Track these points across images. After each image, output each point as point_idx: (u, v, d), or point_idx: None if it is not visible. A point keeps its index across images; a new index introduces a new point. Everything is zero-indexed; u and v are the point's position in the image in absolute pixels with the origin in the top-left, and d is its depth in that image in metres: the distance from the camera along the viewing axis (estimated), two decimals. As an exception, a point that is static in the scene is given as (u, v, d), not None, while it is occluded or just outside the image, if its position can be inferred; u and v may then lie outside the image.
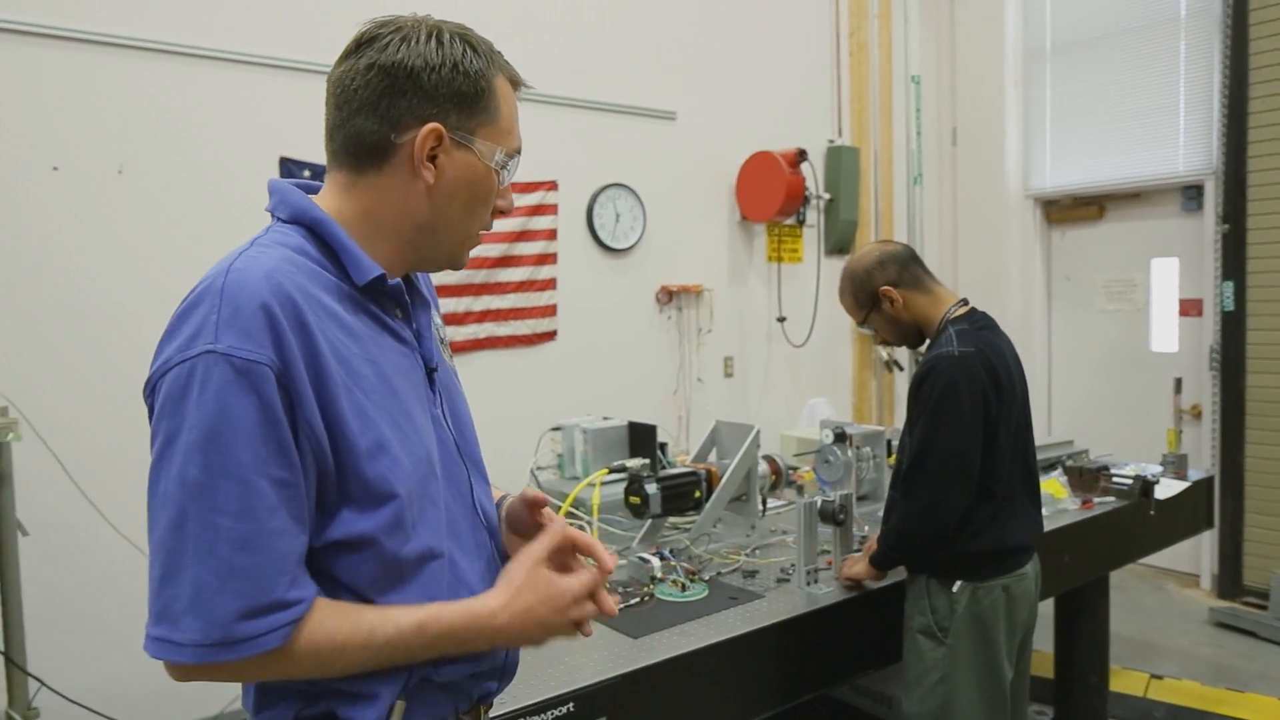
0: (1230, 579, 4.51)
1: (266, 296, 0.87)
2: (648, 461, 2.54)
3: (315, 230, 0.99)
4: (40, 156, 2.85)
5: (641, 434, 2.91)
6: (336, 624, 0.91)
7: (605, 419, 3.00)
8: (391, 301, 1.04)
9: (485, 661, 1.06)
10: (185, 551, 0.85)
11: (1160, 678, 3.65)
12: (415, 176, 0.99)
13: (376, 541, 0.94)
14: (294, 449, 0.89)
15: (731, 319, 4.78)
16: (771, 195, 4.56)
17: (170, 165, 3.07)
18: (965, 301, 2.16)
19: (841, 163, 4.99)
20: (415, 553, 0.98)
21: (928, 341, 2.17)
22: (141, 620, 0.88)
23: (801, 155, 4.56)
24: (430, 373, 1.08)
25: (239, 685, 1.00)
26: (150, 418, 0.90)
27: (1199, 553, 4.67)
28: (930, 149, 5.61)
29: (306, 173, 3.29)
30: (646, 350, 4.45)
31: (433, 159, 0.99)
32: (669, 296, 4.50)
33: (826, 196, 4.99)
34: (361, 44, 0.98)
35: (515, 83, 1.06)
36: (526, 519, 1.14)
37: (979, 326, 2.09)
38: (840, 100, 5.22)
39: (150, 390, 0.90)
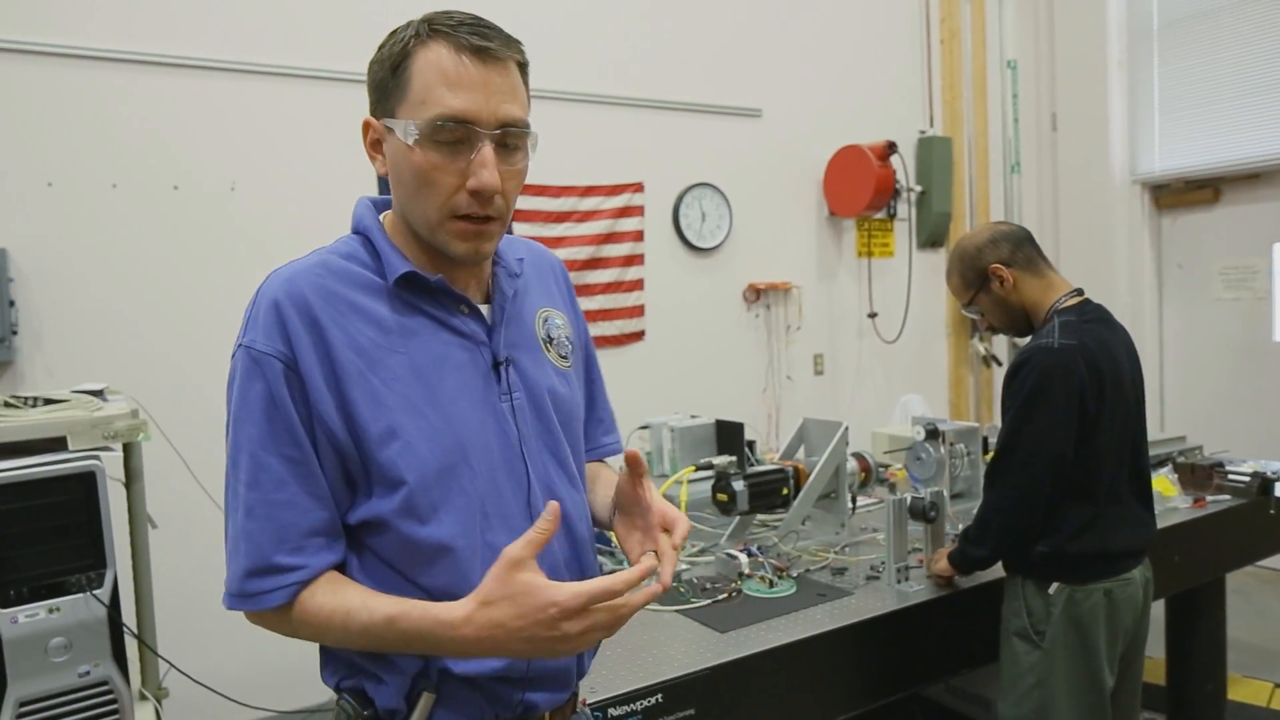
0: (1368, 584, 4.21)
1: (280, 297, 0.99)
2: (735, 459, 2.55)
3: (367, 236, 1.08)
4: (163, 177, 3.08)
5: (729, 432, 2.92)
6: (324, 600, 0.98)
7: (693, 417, 3.03)
8: (449, 296, 1.06)
9: (513, 666, 1.03)
10: (227, 514, 1.02)
11: (1287, 687, 3.44)
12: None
13: (391, 524, 0.99)
14: (302, 430, 0.98)
15: (821, 315, 4.73)
16: (860, 189, 4.49)
17: (277, 182, 3.26)
18: (1080, 292, 2.03)
19: (934, 153, 4.88)
20: (433, 539, 0.99)
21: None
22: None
23: (891, 147, 4.47)
24: (497, 366, 1.07)
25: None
26: None
27: (1332, 555, 4.37)
28: (1028, 136, 5.41)
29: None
30: (735, 348, 4.45)
31: (381, 151, 1.05)
32: (757, 294, 4.48)
33: (918, 189, 4.89)
34: None
35: (462, 48, 0.97)
36: (629, 493, 1.09)
37: (1088, 319, 1.97)
38: (931, 89, 5.10)
39: None
